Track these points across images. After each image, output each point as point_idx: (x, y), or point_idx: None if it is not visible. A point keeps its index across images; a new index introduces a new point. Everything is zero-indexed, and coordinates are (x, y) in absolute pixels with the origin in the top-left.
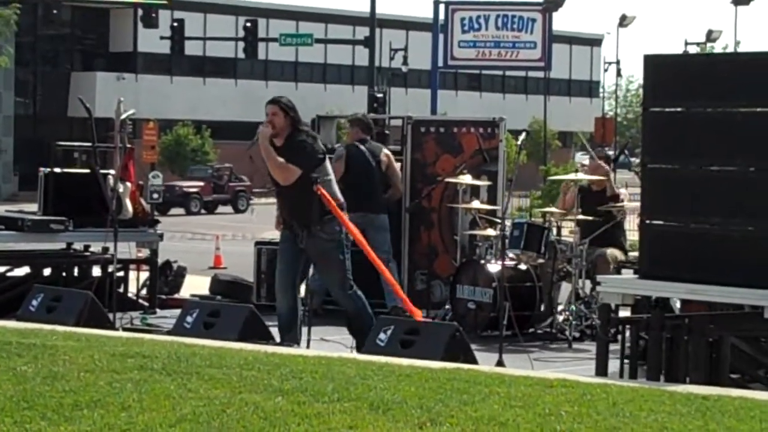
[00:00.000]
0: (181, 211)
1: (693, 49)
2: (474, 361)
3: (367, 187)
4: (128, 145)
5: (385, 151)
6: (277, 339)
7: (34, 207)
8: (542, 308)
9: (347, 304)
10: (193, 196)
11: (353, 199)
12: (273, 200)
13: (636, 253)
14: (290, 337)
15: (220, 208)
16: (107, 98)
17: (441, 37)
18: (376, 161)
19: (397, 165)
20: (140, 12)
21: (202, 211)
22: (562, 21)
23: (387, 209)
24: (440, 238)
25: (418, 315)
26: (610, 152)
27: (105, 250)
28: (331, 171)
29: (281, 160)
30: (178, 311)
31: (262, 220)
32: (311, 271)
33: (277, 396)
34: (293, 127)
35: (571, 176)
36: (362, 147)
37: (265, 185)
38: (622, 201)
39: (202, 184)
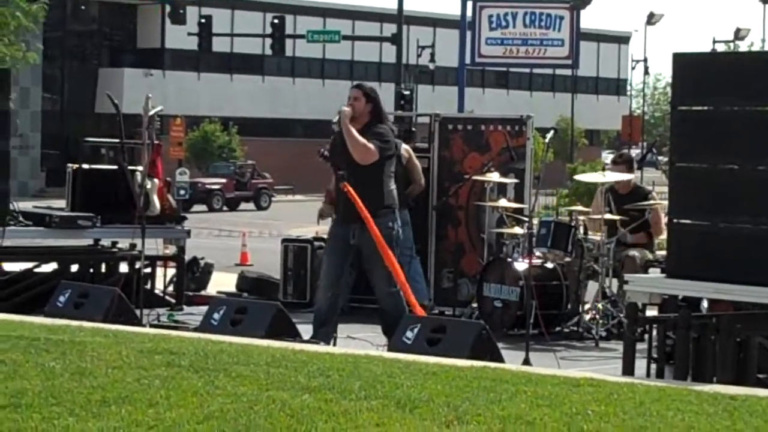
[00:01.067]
0: (203, 207)
1: (721, 47)
2: (501, 360)
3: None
4: (156, 142)
5: (405, 146)
6: (305, 336)
7: (62, 203)
8: (569, 307)
9: (388, 302)
10: (216, 192)
11: None
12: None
13: (663, 252)
14: (323, 333)
15: (242, 205)
16: (135, 94)
17: (468, 34)
18: (397, 156)
19: (424, 162)
20: (168, 8)
21: (224, 208)
22: (590, 18)
23: (408, 204)
24: (467, 236)
25: (421, 313)
26: (635, 152)
27: (132, 246)
28: (394, 167)
29: (362, 139)
30: (205, 308)
31: (286, 216)
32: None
33: (304, 393)
34: (372, 115)
35: (598, 176)
36: None
37: (334, 174)
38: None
39: (224, 181)
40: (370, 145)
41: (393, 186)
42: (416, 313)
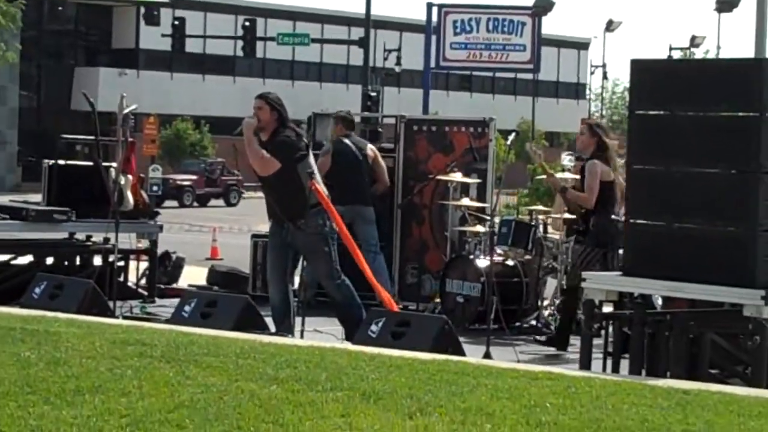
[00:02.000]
0: (174, 203)
1: (677, 54)
2: (462, 354)
3: (353, 180)
4: (130, 139)
5: (370, 146)
6: (272, 329)
7: (38, 197)
8: (529, 303)
9: (336, 294)
10: (187, 189)
11: (341, 193)
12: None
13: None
14: (284, 327)
15: (212, 201)
16: (110, 93)
17: (433, 38)
18: (362, 155)
19: (390, 162)
20: (142, 10)
21: (195, 203)
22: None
23: (373, 202)
24: (431, 234)
25: (394, 307)
26: None
27: (106, 240)
28: (314, 166)
29: (261, 150)
30: (176, 301)
31: (255, 212)
32: (303, 263)
33: (272, 384)
34: (278, 123)
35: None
36: (347, 141)
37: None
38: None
39: (195, 177)
40: (268, 156)
41: (319, 180)
42: (389, 308)
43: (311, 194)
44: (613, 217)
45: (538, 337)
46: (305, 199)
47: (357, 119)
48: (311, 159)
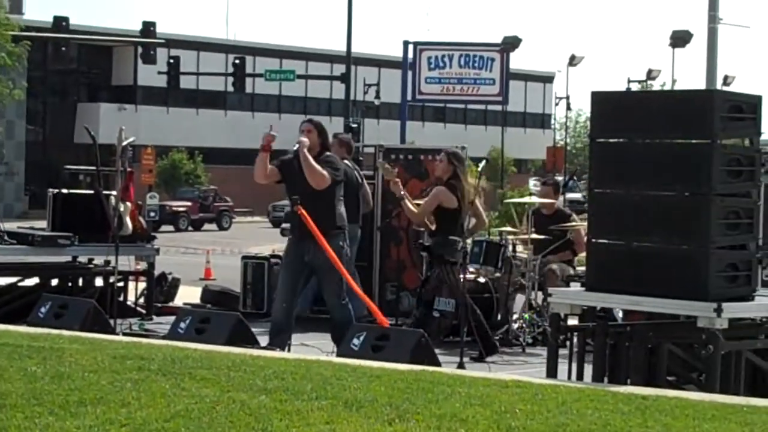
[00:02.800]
0: (170, 228)
1: (635, 86)
2: (437, 364)
3: (352, 201)
4: (128, 169)
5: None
6: (262, 343)
7: (43, 224)
8: (499, 317)
9: (339, 313)
10: (182, 214)
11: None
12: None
13: (583, 268)
14: (279, 341)
15: (206, 226)
16: (110, 127)
17: (410, 74)
18: (360, 177)
19: (370, 187)
20: (140, 49)
21: (190, 228)
22: (518, 60)
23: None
24: (408, 254)
25: (386, 323)
26: (560, 178)
27: (107, 262)
28: (342, 192)
29: (319, 167)
30: (172, 318)
31: (246, 236)
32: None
33: (261, 395)
34: (322, 146)
35: (525, 200)
36: (348, 163)
37: (288, 196)
38: (573, 221)
39: (189, 203)
40: (325, 173)
41: (342, 209)
42: (381, 323)
43: (340, 216)
44: (451, 238)
45: (473, 356)
46: (335, 219)
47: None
48: (342, 186)
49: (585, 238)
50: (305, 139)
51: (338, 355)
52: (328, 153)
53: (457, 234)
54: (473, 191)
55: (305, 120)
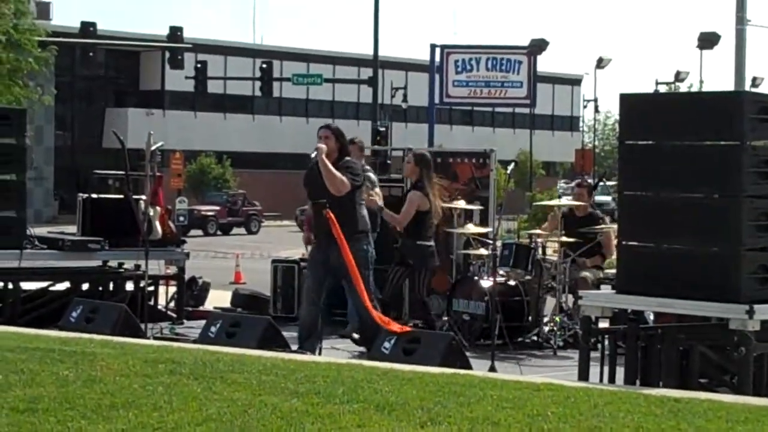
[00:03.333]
0: (199, 232)
1: (663, 88)
2: (469, 367)
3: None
4: (157, 174)
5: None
6: (293, 347)
7: (73, 228)
8: (530, 320)
9: (364, 313)
10: (210, 219)
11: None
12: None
13: (613, 271)
14: (308, 345)
15: (234, 230)
16: (138, 131)
17: (437, 77)
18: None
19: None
20: (167, 54)
21: (218, 232)
22: (546, 63)
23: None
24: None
25: (394, 327)
26: (590, 181)
27: (137, 267)
28: (364, 197)
29: (338, 173)
30: (203, 322)
31: (274, 240)
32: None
33: (293, 398)
34: (340, 152)
35: (554, 202)
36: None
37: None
38: (604, 224)
39: (218, 208)
40: (344, 178)
41: (365, 212)
42: (391, 330)
43: (362, 220)
44: (420, 243)
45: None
46: (357, 223)
47: (367, 152)
48: (363, 191)
49: (614, 242)
50: (323, 146)
51: (369, 358)
52: (347, 158)
53: (425, 237)
54: (436, 191)
55: (322, 126)
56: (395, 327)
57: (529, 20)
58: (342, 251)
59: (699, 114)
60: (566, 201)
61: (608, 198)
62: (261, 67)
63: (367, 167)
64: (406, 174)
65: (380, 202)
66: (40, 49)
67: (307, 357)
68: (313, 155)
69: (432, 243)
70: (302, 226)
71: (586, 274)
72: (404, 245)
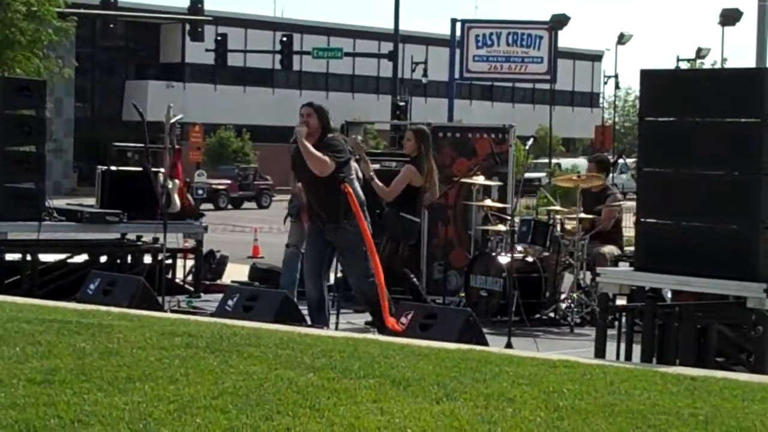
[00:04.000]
0: (210, 206)
1: (684, 65)
2: (485, 344)
3: None
4: (176, 146)
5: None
6: (308, 321)
7: (92, 201)
8: (547, 296)
9: (366, 290)
10: (221, 192)
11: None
12: None
13: (631, 248)
14: (320, 320)
15: (245, 204)
16: (158, 104)
17: (457, 51)
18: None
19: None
20: (188, 27)
21: (229, 206)
22: (567, 38)
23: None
24: (456, 233)
25: (392, 324)
26: (610, 157)
27: (155, 240)
28: (354, 170)
29: (320, 154)
30: (220, 296)
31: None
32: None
33: (308, 372)
34: (324, 129)
35: (573, 178)
36: None
37: (290, 182)
38: (619, 201)
39: (229, 181)
40: (326, 158)
41: (356, 185)
42: (389, 327)
43: (355, 194)
44: (403, 216)
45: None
46: (347, 200)
47: (387, 127)
48: (353, 163)
49: (612, 217)
50: (302, 128)
51: (384, 333)
52: (329, 135)
53: (412, 211)
54: (435, 170)
55: (304, 105)
56: (390, 322)
57: None
58: (341, 227)
59: (720, 91)
60: (584, 177)
61: (624, 176)
62: (281, 41)
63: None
64: (407, 151)
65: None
66: (60, 20)
67: (323, 331)
68: (293, 139)
69: (417, 219)
70: (296, 218)
71: (603, 249)
72: (386, 215)
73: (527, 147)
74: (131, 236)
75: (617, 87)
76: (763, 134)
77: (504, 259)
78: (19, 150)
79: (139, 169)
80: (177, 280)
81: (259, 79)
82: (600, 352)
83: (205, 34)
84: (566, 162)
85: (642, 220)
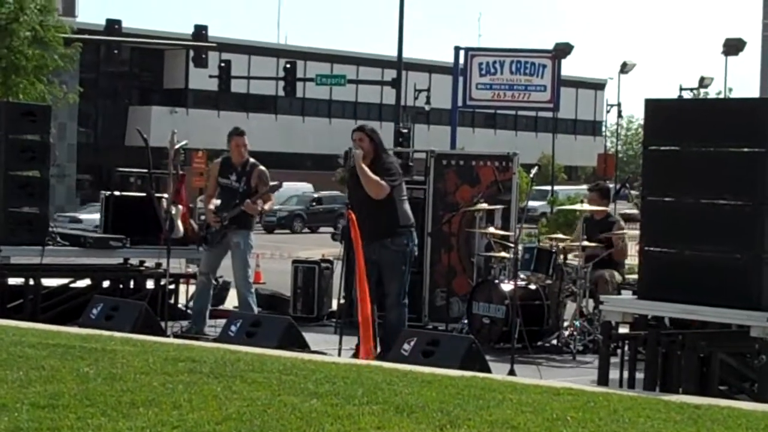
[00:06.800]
0: None
1: (687, 94)
2: (488, 371)
3: None
4: (180, 172)
5: None
6: (312, 347)
7: (90, 217)
8: (550, 324)
9: (396, 313)
10: None
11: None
12: None
13: (635, 276)
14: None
15: None
16: (161, 130)
17: (461, 79)
18: None
19: (421, 193)
20: (191, 53)
21: None
22: (570, 67)
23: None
24: (459, 260)
25: (366, 353)
26: (611, 185)
27: (158, 265)
28: (404, 191)
29: (377, 178)
30: (223, 321)
31: (293, 240)
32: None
33: (312, 398)
34: (377, 151)
35: (576, 206)
36: None
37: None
38: (622, 229)
39: None
40: (383, 183)
41: (407, 206)
42: (362, 355)
43: (404, 215)
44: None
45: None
46: (398, 219)
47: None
48: (404, 185)
49: (622, 247)
50: (359, 152)
51: (388, 360)
52: (383, 157)
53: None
54: None
55: (356, 129)
56: (363, 351)
57: (553, 24)
58: (384, 245)
59: (724, 120)
60: (587, 206)
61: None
62: (285, 67)
63: None
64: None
65: None
66: (66, 46)
67: (326, 358)
68: (344, 158)
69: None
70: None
71: (605, 274)
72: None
73: (531, 175)
74: (134, 261)
75: (620, 116)
76: (766, 164)
77: (507, 286)
78: (22, 174)
79: (143, 194)
80: (180, 306)
81: (263, 105)
82: (603, 380)
83: (208, 61)
84: (565, 191)
85: (646, 248)
